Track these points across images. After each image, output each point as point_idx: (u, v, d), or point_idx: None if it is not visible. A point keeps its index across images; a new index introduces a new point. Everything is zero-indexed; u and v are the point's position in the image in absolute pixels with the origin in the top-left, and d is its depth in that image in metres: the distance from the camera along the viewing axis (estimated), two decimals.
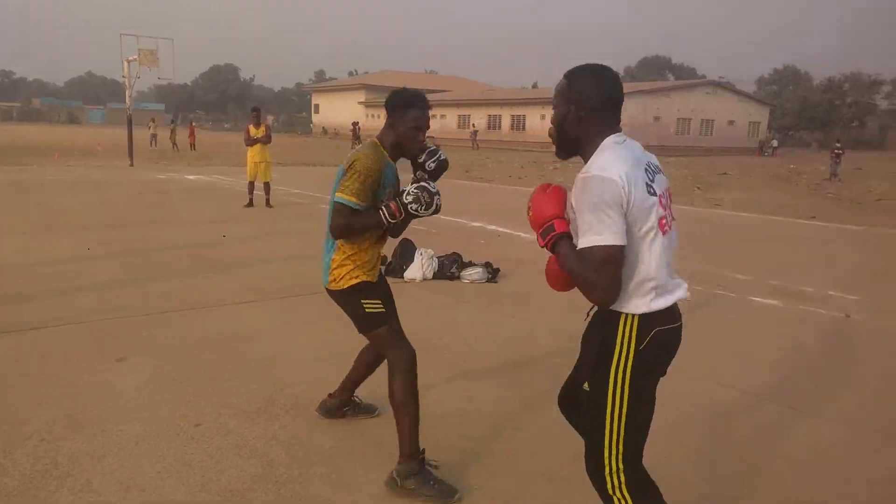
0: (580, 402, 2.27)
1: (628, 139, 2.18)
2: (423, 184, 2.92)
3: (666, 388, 4.12)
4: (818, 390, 4.35)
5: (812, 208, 15.50)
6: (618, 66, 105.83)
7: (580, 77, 2.22)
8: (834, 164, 26.37)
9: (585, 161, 2.16)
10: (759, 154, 50.24)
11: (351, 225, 2.97)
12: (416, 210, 2.87)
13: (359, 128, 44.96)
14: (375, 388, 3.65)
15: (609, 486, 2.15)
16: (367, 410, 3.75)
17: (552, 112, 2.27)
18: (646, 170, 2.12)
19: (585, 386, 2.18)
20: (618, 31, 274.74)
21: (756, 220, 13.25)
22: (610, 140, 2.14)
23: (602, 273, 1.96)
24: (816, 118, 69.04)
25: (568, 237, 2.12)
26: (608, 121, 2.18)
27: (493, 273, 7.20)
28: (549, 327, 5.51)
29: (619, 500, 2.14)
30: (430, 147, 3.12)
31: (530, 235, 10.20)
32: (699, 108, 53.12)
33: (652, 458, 3.27)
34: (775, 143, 53.78)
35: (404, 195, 2.92)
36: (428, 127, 3.07)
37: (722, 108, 54.47)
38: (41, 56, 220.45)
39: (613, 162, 2.04)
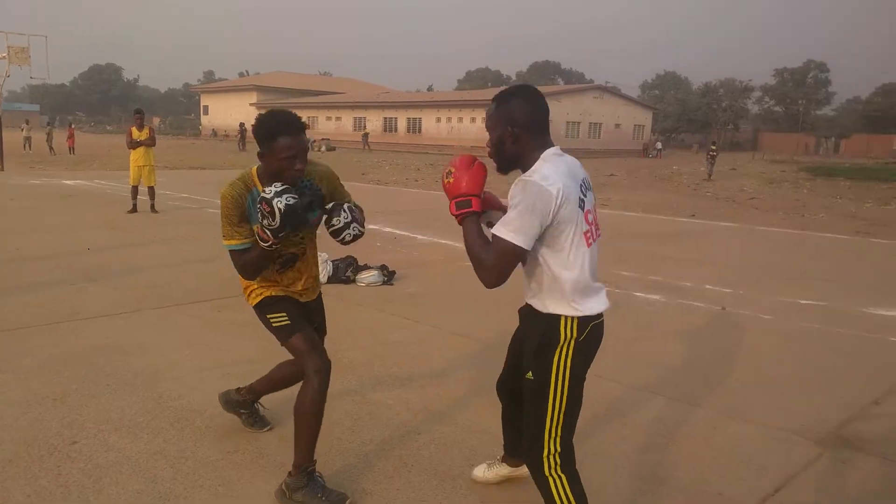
0: (519, 392, 2.51)
1: (565, 154, 2.39)
2: (262, 195, 2.70)
3: None
4: (700, 381, 4.61)
5: (692, 207, 16.42)
6: (509, 71, 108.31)
7: (508, 99, 2.40)
8: (709, 165, 28.25)
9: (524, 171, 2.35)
10: (644, 156, 52.73)
11: (245, 266, 2.91)
12: (269, 225, 2.68)
13: (245, 129, 44.04)
14: (287, 402, 3.58)
15: (546, 467, 2.38)
16: (261, 424, 3.61)
17: (490, 134, 2.44)
18: (581, 185, 2.33)
19: (529, 375, 2.38)
20: (510, 36, 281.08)
21: (640, 219, 13.90)
22: (550, 152, 2.33)
23: (500, 262, 2.22)
24: (696, 121, 73.27)
25: (478, 216, 2.37)
26: (541, 135, 2.37)
27: (388, 275, 7.19)
28: (446, 330, 5.57)
29: (554, 480, 2.38)
30: (304, 181, 2.84)
31: (426, 237, 10.28)
32: (587, 111, 55.12)
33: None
34: (660, 144, 56.62)
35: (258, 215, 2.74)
36: (305, 150, 2.78)
37: (609, 111, 56.77)
38: None
39: (555, 175, 2.23)
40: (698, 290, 7.11)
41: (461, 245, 7.98)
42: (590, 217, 2.34)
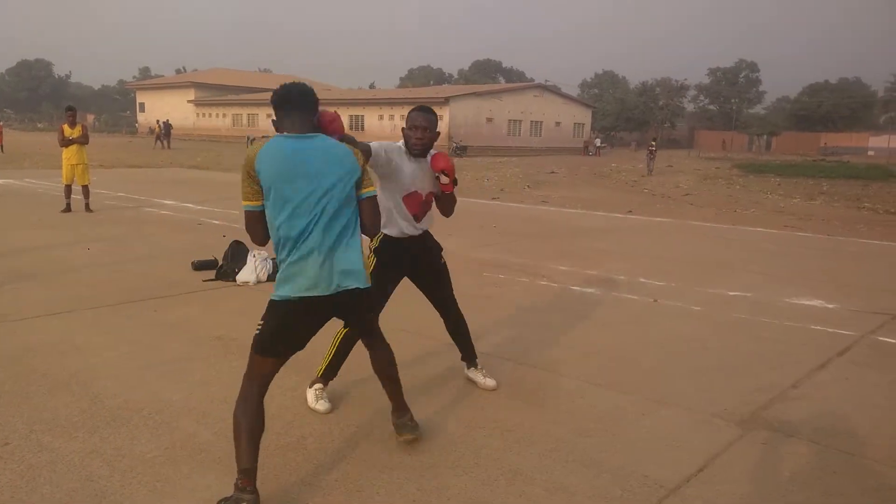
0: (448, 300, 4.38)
1: None
2: None
3: (491, 376, 4.37)
4: (631, 370, 4.79)
5: (629, 203, 16.86)
6: (451, 69, 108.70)
7: (433, 113, 3.83)
8: (649, 161, 29.12)
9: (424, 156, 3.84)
10: (584, 153, 53.66)
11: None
12: None
13: (163, 126, 43.38)
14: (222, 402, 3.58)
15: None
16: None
17: (427, 131, 3.78)
18: None
19: (443, 259, 4.24)
20: (451, 33, 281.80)
21: (578, 216, 14.21)
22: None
23: None
24: (633, 119, 74.99)
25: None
26: None
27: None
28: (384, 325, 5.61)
29: None
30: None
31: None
32: (528, 109, 55.75)
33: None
34: (599, 142, 57.72)
35: None
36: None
37: (549, 110, 57.54)
38: None
39: None
40: (632, 283, 7.35)
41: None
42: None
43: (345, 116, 58.07)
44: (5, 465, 3.11)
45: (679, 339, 5.46)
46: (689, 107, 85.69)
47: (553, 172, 26.93)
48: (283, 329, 2.87)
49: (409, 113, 3.79)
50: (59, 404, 3.78)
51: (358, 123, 57.21)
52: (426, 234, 4.10)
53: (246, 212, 2.88)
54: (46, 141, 42.24)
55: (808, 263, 9.17)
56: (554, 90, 60.64)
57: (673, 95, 76.24)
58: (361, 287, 2.96)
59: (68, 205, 11.89)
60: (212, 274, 7.13)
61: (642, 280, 7.53)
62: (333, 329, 3.58)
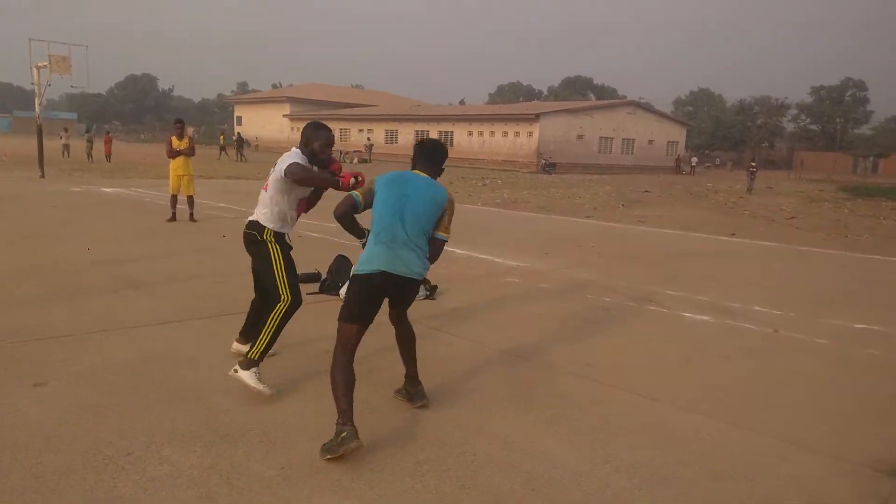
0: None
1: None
2: None
3: (612, 409, 4.14)
4: (758, 407, 4.45)
5: (731, 225, 16.13)
6: (541, 85, 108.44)
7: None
8: (750, 181, 28.09)
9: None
10: (677, 172, 52.20)
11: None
12: None
13: (244, 140, 45.54)
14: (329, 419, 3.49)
15: None
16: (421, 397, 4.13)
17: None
18: None
19: None
20: (540, 50, 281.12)
21: (679, 237, 13.67)
22: None
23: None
24: (729, 138, 72.51)
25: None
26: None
27: (430, 290, 7.12)
28: (491, 346, 5.46)
29: None
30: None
31: (464, 251, 10.19)
32: (621, 127, 54.75)
33: (584, 468, 3.27)
34: (695, 160, 55.95)
35: None
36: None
37: (642, 127, 56.33)
38: None
39: None
40: (747, 312, 6.91)
41: (501, 260, 7.99)
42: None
43: (434, 132, 58.80)
44: (128, 476, 3.11)
45: (806, 376, 5.05)
46: (790, 126, 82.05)
47: (647, 191, 26.17)
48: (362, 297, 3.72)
49: (316, 132, 4.28)
50: (177, 416, 3.79)
51: (447, 139, 57.58)
52: None
53: (351, 196, 3.86)
54: (151, 151, 44.58)
55: None
56: (647, 107, 59.30)
57: (772, 114, 73.25)
58: (416, 279, 3.82)
59: (174, 214, 12.33)
60: (315, 287, 7.16)
61: (757, 308, 7.08)
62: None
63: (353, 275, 3.80)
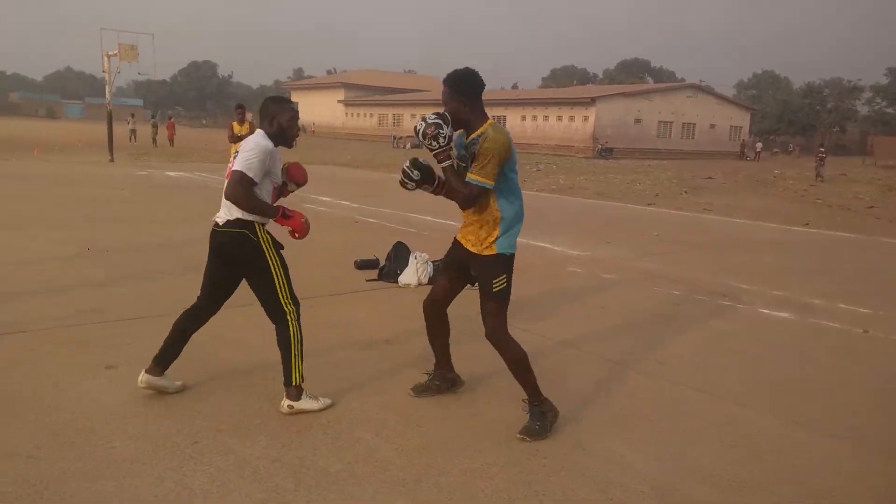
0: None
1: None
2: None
3: (689, 411, 3.91)
4: (862, 416, 4.18)
5: (803, 215, 15.47)
6: (596, 69, 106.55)
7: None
8: (819, 167, 27.02)
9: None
10: (741, 158, 50.65)
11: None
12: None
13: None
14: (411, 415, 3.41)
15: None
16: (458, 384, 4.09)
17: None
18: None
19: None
20: (597, 33, 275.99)
21: (749, 227, 13.17)
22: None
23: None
24: (797, 122, 69.84)
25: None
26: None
27: None
28: (557, 339, 5.30)
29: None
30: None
31: (523, 240, 9.98)
32: (680, 111, 53.39)
33: (662, 477, 3.10)
34: (760, 145, 54.13)
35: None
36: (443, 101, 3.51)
37: (703, 111, 54.82)
38: (19, 50, 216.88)
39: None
40: (830, 309, 6.53)
41: (560, 248, 7.77)
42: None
43: None
44: (196, 465, 3.08)
45: None
46: (863, 110, 78.40)
47: (710, 178, 25.42)
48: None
49: (280, 104, 3.73)
50: (240, 403, 3.77)
51: (500, 124, 57.00)
52: None
53: (481, 188, 3.37)
54: (211, 137, 45.51)
55: None
56: (708, 90, 57.66)
57: (844, 97, 70.17)
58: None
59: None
60: (373, 274, 7.11)
61: (842, 305, 6.68)
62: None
63: (511, 255, 3.57)
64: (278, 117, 3.65)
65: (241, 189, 3.45)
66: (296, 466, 3.13)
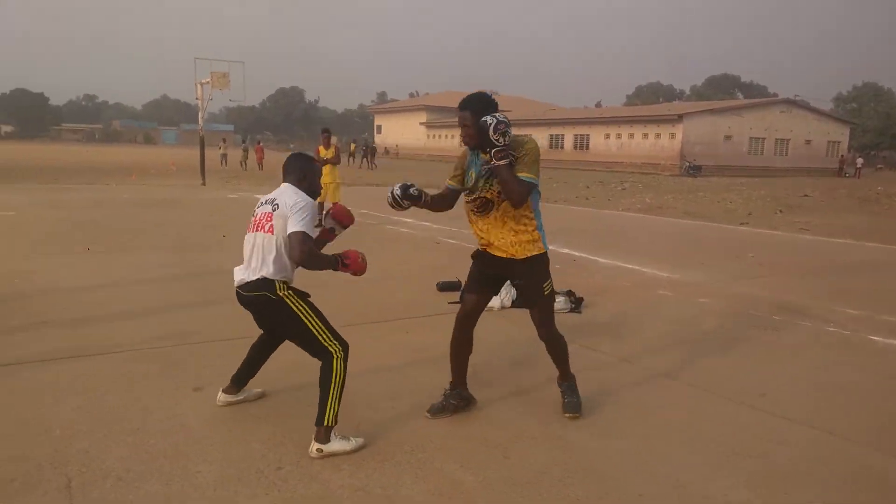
0: None
1: None
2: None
3: (798, 450, 3.59)
4: None
5: None
6: (683, 85, 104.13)
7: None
8: None
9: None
10: (840, 174, 48.20)
11: None
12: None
13: (375, 149, 46.43)
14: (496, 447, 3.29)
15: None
16: (472, 402, 4.09)
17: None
18: None
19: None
20: (681, 49, 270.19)
21: (851, 247, 12.37)
22: None
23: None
24: None
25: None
26: None
27: (576, 303, 6.77)
28: (651, 369, 5.05)
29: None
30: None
31: (608, 260, 9.74)
32: (773, 126, 51.42)
33: None
34: (861, 161, 51.37)
35: None
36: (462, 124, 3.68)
37: (798, 126, 52.62)
38: (121, 80, 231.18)
39: None
40: None
41: (649, 270, 7.47)
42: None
43: (570, 136, 57.86)
44: (279, 493, 3.04)
45: None
46: None
47: (806, 195, 24.22)
48: None
49: (313, 167, 3.91)
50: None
51: (583, 143, 56.55)
52: None
53: (532, 185, 3.62)
54: None
55: None
56: (804, 105, 55.27)
57: None
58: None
59: (320, 221, 12.68)
60: (456, 296, 7.01)
61: None
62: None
63: (545, 254, 3.81)
64: (309, 176, 3.79)
65: (307, 248, 3.49)
66: (380, 497, 3.04)
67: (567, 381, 4.06)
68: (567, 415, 3.95)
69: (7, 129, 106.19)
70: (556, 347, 3.98)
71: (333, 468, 3.29)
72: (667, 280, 8.39)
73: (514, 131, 3.59)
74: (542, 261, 3.79)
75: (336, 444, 3.42)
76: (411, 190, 3.67)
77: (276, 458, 3.38)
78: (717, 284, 8.23)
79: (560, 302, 6.69)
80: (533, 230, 3.74)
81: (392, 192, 3.71)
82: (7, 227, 11.48)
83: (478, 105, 3.61)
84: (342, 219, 4.00)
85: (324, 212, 3.89)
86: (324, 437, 3.41)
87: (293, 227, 3.47)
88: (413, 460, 3.41)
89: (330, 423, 3.43)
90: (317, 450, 3.39)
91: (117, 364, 4.69)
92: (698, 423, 4.01)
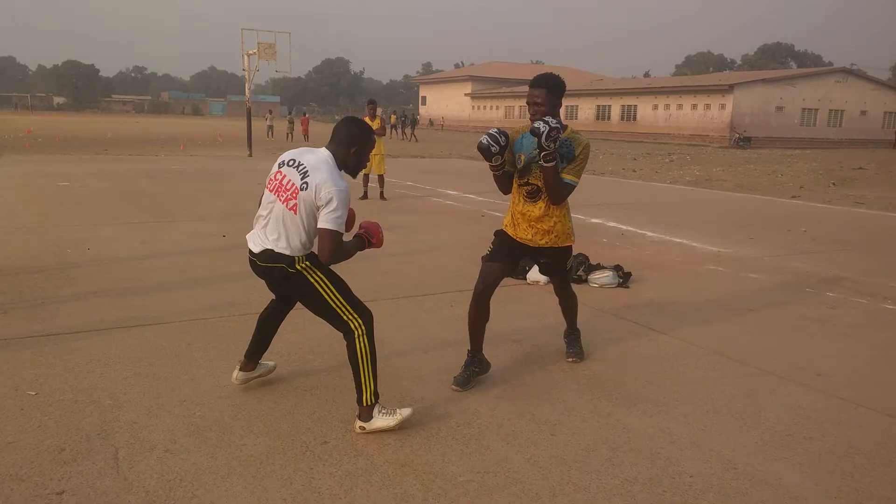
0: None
1: None
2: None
3: (855, 431, 3.46)
4: None
5: None
6: (733, 54, 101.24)
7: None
8: None
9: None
10: None
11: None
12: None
13: (409, 118, 45.81)
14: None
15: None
16: (486, 366, 4.19)
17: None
18: None
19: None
20: (733, 17, 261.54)
21: None
22: None
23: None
24: None
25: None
26: None
27: (624, 277, 6.65)
28: (699, 345, 4.93)
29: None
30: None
31: (657, 234, 9.55)
32: (827, 97, 49.66)
33: None
34: None
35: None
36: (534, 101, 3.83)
37: (853, 97, 50.71)
38: (169, 52, 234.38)
39: None
40: None
41: (699, 244, 7.29)
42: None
43: (617, 107, 56.83)
44: (324, 467, 3.05)
45: None
46: None
47: (861, 168, 23.38)
48: None
49: (368, 136, 3.52)
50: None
51: (630, 114, 55.48)
52: None
53: (573, 187, 3.89)
54: None
55: None
56: (860, 74, 53.15)
57: None
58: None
59: (365, 192, 12.72)
60: None
61: None
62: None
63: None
64: (360, 146, 3.44)
65: (336, 245, 3.26)
66: (424, 473, 3.02)
67: (574, 333, 4.55)
68: (570, 360, 4.44)
69: (60, 100, 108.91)
70: (571, 304, 4.49)
71: (379, 443, 3.29)
72: (717, 254, 8.18)
73: (563, 102, 3.75)
74: (571, 249, 4.25)
75: (379, 421, 3.37)
76: (502, 139, 3.78)
77: (322, 432, 3.39)
78: (769, 259, 7.99)
79: (608, 276, 6.59)
80: (569, 222, 4.12)
81: (489, 133, 3.81)
82: (62, 197, 11.77)
83: (554, 85, 3.80)
84: (376, 242, 3.75)
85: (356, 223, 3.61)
86: (366, 415, 3.38)
87: (325, 223, 3.22)
88: (459, 436, 3.39)
89: (369, 402, 3.37)
90: (360, 427, 3.37)
91: (166, 335, 4.77)
92: (751, 402, 3.90)
